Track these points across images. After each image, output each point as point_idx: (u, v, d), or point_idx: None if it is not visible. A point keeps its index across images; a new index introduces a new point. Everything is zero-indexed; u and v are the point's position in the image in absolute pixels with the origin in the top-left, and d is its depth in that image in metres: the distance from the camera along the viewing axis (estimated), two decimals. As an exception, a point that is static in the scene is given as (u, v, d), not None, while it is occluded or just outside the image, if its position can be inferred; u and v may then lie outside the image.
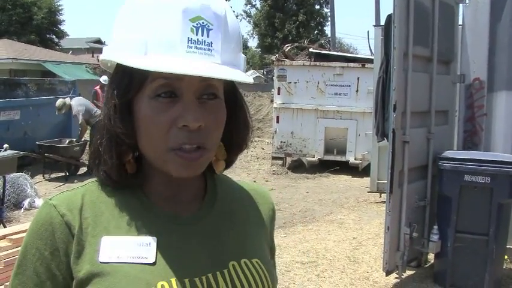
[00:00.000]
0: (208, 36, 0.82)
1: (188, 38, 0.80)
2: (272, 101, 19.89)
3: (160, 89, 0.83)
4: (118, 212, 0.90)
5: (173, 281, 0.84)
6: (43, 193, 7.91)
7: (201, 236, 0.92)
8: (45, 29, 35.74)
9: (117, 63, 0.88)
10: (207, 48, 0.81)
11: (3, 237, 3.73)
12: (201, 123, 0.83)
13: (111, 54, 0.87)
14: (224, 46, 0.84)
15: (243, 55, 0.91)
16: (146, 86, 0.84)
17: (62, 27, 39.12)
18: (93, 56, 29.92)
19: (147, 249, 0.86)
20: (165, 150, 0.84)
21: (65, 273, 0.87)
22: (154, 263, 0.85)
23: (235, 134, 0.96)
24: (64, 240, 0.87)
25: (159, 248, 0.87)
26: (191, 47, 0.80)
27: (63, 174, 9.54)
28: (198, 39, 0.81)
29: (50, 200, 0.91)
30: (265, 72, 29.95)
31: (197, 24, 0.81)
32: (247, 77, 0.88)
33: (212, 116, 0.86)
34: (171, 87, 0.83)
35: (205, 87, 0.85)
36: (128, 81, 0.85)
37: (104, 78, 14.11)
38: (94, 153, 0.91)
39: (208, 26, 0.82)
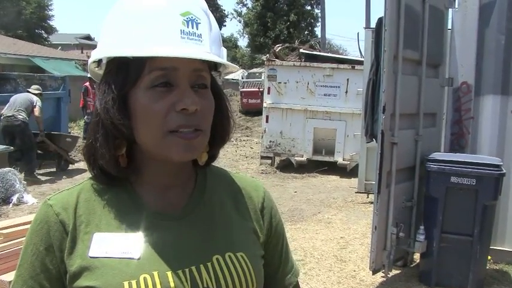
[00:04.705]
0: (197, 29, 0.91)
1: (181, 29, 0.89)
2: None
3: (157, 79, 0.89)
4: (109, 210, 0.95)
5: (155, 274, 0.89)
6: (31, 189, 7.88)
7: (187, 231, 0.97)
8: (33, 24, 35.43)
9: (108, 63, 0.94)
10: (198, 39, 0.90)
11: (-6, 232, 3.73)
12: (198, 107, 0.90)
13: (106, 51, 0.93)
14: (211, 38, 0.92)
15: (224, 48, 1.01)
16: (143, 78, 0.89)
17: (51, 22, 38.92)
18: (82, 52, 29.69)
19: (134, 245, 0.91)
20: (164, 134, 0.90)
21: (59, 267, 0.93)
22: (139, 258, 0.90)
23: (219, 125, 1.01)
24: (58, 237, 0.93)
25: (145, 243, 0.92)
26: (184, 38, 0.88)
27: (51, 170, 9.50)
28: (189, 31, 0.89)
29: (49, 199, 0.97)
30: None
31: (187, 18, 0.90)
32: (233, 65, 0.99)
33: (205, 101, 0.93)
34: (167, 77, 0.89)
35: (197, 78, 0.92)
36: (124, 75, 0.91)
37: None
38: (89, 150, 0.96)
39: (197, 20, 0.91)
